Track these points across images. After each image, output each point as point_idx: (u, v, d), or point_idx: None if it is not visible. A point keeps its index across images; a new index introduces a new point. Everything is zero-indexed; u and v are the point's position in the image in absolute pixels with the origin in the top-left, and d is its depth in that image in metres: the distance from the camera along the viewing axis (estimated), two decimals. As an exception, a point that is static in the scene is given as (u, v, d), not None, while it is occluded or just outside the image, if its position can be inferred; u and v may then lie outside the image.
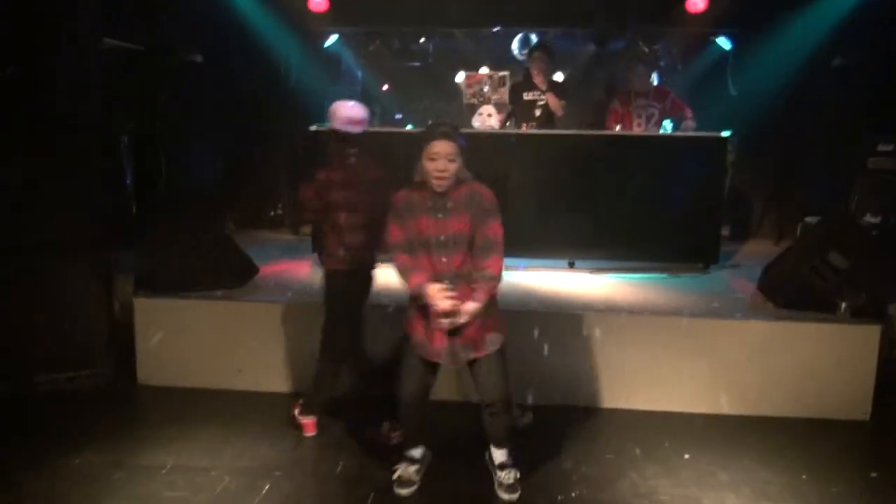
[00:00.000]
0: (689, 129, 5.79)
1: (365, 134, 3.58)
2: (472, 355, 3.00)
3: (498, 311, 3.09)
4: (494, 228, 2.93)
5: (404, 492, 3.15)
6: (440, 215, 2.92)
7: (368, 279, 3.68)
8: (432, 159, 2.83)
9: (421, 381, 3.08)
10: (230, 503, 3.06)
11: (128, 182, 5.89)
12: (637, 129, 5.92)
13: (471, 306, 2.88)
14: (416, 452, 3.26)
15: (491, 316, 3.00)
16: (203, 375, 4.29)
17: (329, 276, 3.62)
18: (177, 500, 3.05)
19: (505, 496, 3.12)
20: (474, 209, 2.91)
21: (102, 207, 4.46)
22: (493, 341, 3.00)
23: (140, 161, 6.07)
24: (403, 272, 3.00)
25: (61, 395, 4.18)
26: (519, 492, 3.13)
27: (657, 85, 6.38)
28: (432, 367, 3.08)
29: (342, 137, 3.53)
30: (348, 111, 3.54)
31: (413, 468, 3.23)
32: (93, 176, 4.37)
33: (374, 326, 3.83)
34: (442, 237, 2.92)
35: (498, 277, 2.95)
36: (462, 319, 2.87)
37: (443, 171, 2.82)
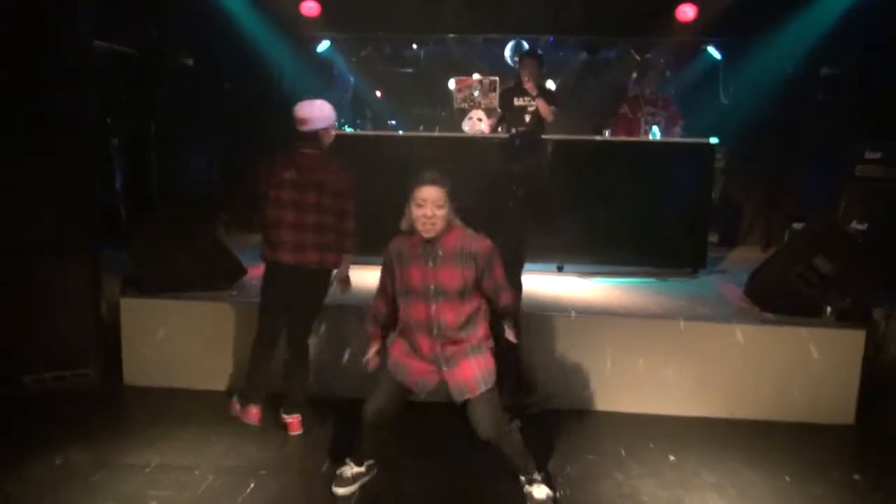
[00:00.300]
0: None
1: (315, 135, 3.57)
2: (466, 396, 2.92)
3: (489, 347, 3.00)
4: (499, 273, 2.92)
5: (341, 491, 3.11)
6: (431, 264, 2.86)
7: (289, 281, 3.62)
8: (419, 205, 2.78)
9: (389, 404, 3.03)
10: (214, 501, 3.04)
11: (118, 184, 5.88)
12: (643, 136, 6.01)
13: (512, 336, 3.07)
14: (367, 461, 3.23)
15: (482, 353, 2.95)
16: (189, 376, 4.28)
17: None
18: (161, 499, 3.04)
19: None
20: (468, 263, 2.85)
21: (93, 208, 4.45)
22: (485, 380, 2.91)
23: (132, 163, 6.06)
24: (367, 319, 3.13)
25: (48, 394, 4.15)
26: None
27: (664, 94, 6.52)
28: (405, 393, 3.04)
29: (293, 136, 3.59)
30: (296, 109, 3.59)
31: (355, 470, 3.18)
32: (83, 177, 4.36)
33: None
34: (432, 287, 2.86)
35: (518, 304, 3.12)
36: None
37: (431, 217, 2.77)
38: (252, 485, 3.18)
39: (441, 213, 2.79)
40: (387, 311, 3.08)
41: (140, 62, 6.07)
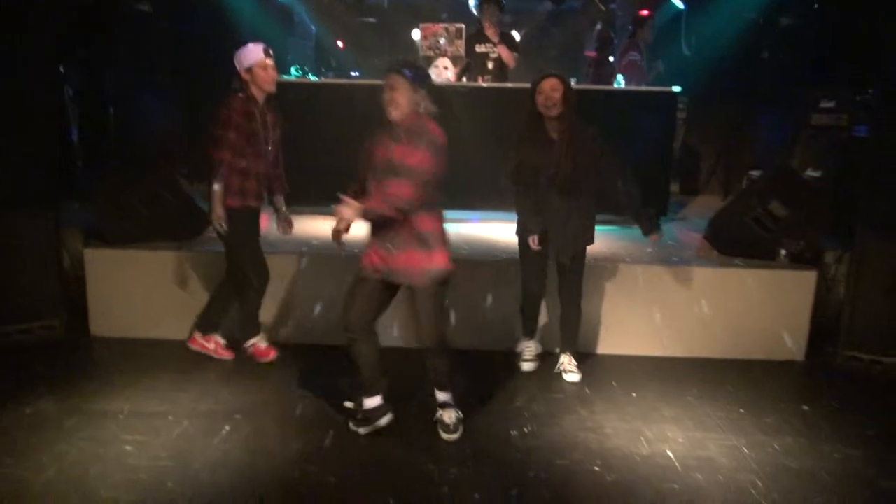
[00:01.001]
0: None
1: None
2: (403, 281, 3.07)
3: (440, 252, 3.04)
4: (417, 156, 2.91)
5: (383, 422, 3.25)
6: (392, 144, 2.99)
7: None
8: (384, 91, 2.98)
9: (366, 305, 3.11)
10: (190, 445, 3.09)
11: (73, 133, 5.72)
12: (647, 86, 6.19)
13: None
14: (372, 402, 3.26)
15: (434, 250, 3.02)
16: (156, 326, 4.27)
17: None
18: (136, 443, 3.07)
19: (444, 435, 3.21)
20: (418, 142, 2.94)
21: (49, 159, 4.33)
22: (430, 275, 3.01)
23: (87, 112, 5.89)
24: None
25: (12, 346, 4.10)
26: (459, 432, 3.20)
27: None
28: (378, 293, 3.13)
29: None
30: None
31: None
32: (39, 128, 4.23)
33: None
34: (384, 164, 2.98)
35: (394, 200, 2.91)
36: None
37: (388, 100, 2.96)
38: (227, 428, 3.23)
39: (396, 95, 2.93)
40: (358, 192, 3.13)
41: (95, 8, 5.84)
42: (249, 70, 3.62)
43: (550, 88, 3.55)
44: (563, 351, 3.98)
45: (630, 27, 7.02)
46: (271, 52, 3.68)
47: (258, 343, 4.01)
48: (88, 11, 5.84)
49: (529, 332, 4.06)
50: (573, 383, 3.86)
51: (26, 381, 3.65)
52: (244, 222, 3.75)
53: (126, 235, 4.34)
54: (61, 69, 5.68)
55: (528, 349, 4.05)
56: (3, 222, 4.09)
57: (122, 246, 4.31)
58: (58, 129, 4.39)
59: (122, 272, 4.28)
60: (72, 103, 5.86)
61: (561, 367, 3.94)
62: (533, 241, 3.68)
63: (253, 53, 3.63)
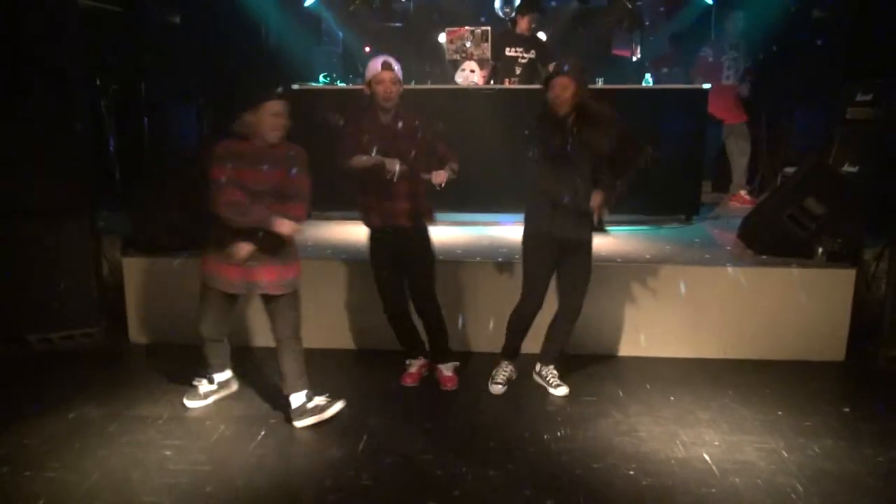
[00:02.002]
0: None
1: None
2: (270, 292, 3.29)
3: (296, 259, 3.35)
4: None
5: (191, 404, 3.53)
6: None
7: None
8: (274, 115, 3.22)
9: (220, 315, 3.45)
10: (227, 448, 3.15)
11: (111, 143, 5.85)
12: (725, 82, 6.10)
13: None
14: (219, 376, 3.65)
15: (289, 262, 3.30)
16: (192, 332, 4.33)
17: None
18: (175, 448, 3.13)
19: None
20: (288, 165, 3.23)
21: (87, 170, 4.45)
22: (291, 284, 3.30)
23: (123, 123, 6.03)
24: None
25: (55, 354, 4.22)
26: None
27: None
28: (230, 301, 3.43)
29: None
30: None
31: (209, 388, 3.61)
32: (77, 138, 4.35)
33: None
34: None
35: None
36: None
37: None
38: (263, 432, 3.28)
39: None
40: None
41: (126, 21, 5.97)
42: (369, 84, 3.50)
43: (560, 87, 3.39)
44: (547, 362, 3.77)
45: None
46: (393, 65, 3.46)
47: None
48: (120, 24, 5.98)
49: (512, 354, 3.78)
50: (564, 397, 3.67)
51: (69, 387, 3.75)
52: (369, 243, 3.71)
53: (162, 244, 4.42)
54: (98, 81, 5.84)
55: (504, 371, 3.78)
56: (44, 232, 4.21)
57: (160, 254, 4.39)
58: (94, 139, 4.48)
59: (159, 280, 4.37)
60: (108, 115, 6.00)
61: (547, 381, 3.74)
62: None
63: (372, 67, 3.49)
